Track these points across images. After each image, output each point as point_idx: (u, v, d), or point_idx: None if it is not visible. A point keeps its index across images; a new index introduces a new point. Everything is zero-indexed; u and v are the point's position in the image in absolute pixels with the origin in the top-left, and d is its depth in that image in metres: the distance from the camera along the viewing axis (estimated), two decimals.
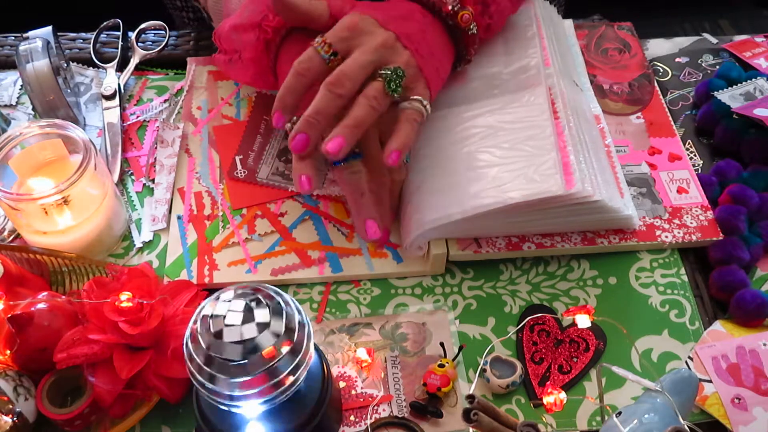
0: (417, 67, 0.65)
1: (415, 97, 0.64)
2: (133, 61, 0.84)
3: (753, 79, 0.80)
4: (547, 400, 0.58)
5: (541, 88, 0.70)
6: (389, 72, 0.63)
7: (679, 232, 0.70)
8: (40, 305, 0.60)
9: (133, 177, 0.76)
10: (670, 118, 0.79)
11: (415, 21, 0.66)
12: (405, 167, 0.69)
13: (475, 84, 0.72)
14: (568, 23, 0.86)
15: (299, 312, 0.51)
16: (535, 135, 0.66)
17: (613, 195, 0.66)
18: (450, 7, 0.67)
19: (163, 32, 0.87)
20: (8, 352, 0.59)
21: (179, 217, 0.72)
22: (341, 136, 0.61)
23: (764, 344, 0.63)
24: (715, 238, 0.69)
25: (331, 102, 0.61)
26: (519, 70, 0.72)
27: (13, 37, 0.89)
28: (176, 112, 0.81)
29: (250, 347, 0.48)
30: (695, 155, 0.78)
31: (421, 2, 0.68)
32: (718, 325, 0.66)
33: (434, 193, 0.66)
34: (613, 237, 0.69)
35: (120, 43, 0.85)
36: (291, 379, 0.49)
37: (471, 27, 0.69)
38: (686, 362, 0.64)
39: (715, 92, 0.79)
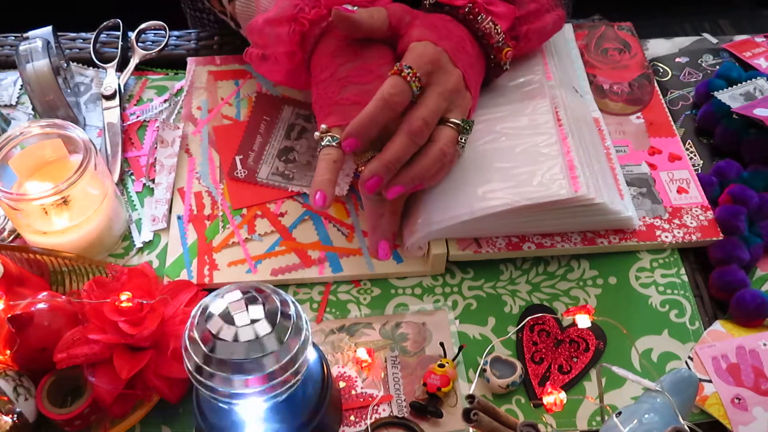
0: (470, 109, 0.66)
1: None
2: (133, 61, 0.84)
3: (753, 79, 0.80)
4: (547, 400, 0.58)
5: (544, 99, 0.71)
6: (462, 123, 0.63)
7: (679, 232, 0.70)
8: (40, 305, 0.60)
9: (133, 177, 0.76)
10: (670, 118, 0.79)
11: (467, 53, 0.66)
12: None
13: (481, 93, 0.72)
14: (567, 26, 0.86)
15: (298, 311, 0.51)
16: (542, 141, 0.67)
17: (613, 197, 0.67)
18: (495, 40, 0.67)
19: (163, 32, 0.87)
20: (8, 352, 0.59)
21: (179, 217, 0.72)
22: (402, 187, 0.62)
23: (764, 344, 0.63)
24: (715, 238, 0.69)
25: (410, 150, 0.61)
26: (523, 84, 0.73)
27: (13, 37, 0.89)
28: (176, 112, 0.81)
29: (249, 347, 0.48)
30: (695, 155, 0.78)
31: (469, 27, 0.67)
32: (718, 325, 0.66)
33: (441, 194, 0.66)
34: (613, 237, 0.69)
35: (120, 43, 0.85)
36: (291, 378, 0.49)
37: (507, 63, 0.70)
38: (686, 362, 0.64)
39: (715, 92, 0.79)
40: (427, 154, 0.62)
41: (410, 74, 0.61)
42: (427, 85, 0.62)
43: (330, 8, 0.65)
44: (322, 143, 0.62)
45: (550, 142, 0.67)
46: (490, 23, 0.67)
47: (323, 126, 0.63)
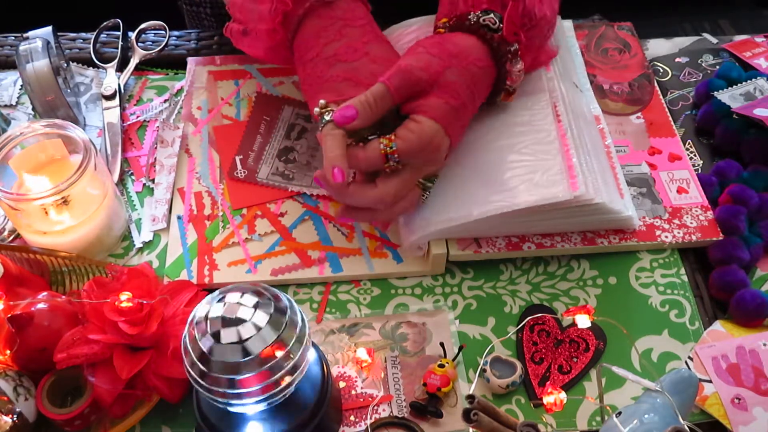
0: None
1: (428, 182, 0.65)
2: (133, 61, 0.84)
3: (753, 79, 0.80)
4: (547, 400, 0.58)
5: (543, 93, 0.70)
6: (428, 183, 0.64)
7: (679, 232, 0.70)
8: (40, 305, 0.60)
9: (133, 177, 0.76)
10: (670, 118, 0.79)
11: (472, 109, 0.65)
12: None
13: None
14: (568, 24, 0.86)
15: (297, 311, 0.51)
16: (541, 139, 0.67)
17: (613, 197, 0.66)
18: (514, 82, 0.67)
19: (163, 32, 0.87)
20: (8, 352, 0.59)
21: (179, 217, 0.72)
22: (355, 221, 0.65)
23: (764, 344, 0.63)
24: (715, 238, 0.69)
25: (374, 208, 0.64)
26: None
27: (13, 37, 0.89)
28: (176, 112, 0.81)
29: (249, 347, 0.48)
30: (695, 155, 0.78)
31: (497, 62, 0.65)
32: (718, 325, 0.66)
33: (440, 196, 0.66)
34: (613, 237, 0.69)
35: (120, 43, 0.85)
36: (290, 378, 0.49)
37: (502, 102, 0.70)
38: (686, 362, 0.64)
39: (715, 92, 0.79)
40: (394, 210, 0.64)
41: (393, 165, 0.61)
42: (411, 160, 0.61)
43: None
44: (326, 118, 0.61)
45: (549, 140, 0.67)
46: (521, 72, 0.66)
47: (321, 101, 0.62)
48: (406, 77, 0.61)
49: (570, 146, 0.66)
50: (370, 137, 0.62)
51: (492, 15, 0.64)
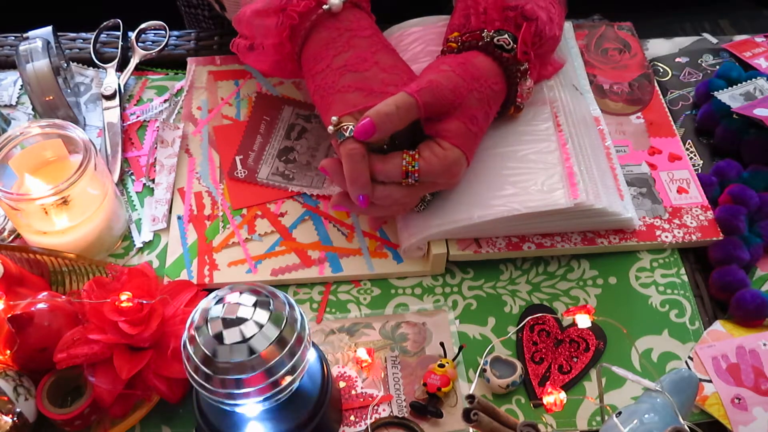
0: None
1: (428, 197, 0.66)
2: (133, 61, 0.84)
3: (753, 79, 0.80)
4: (547, 400, 0.58)
5: (544, 105, 0.71)
6: (430, 197, 0.66)
7: (679, 232, 0.70)
8: (40, 305, 0.60)
9: (133, 177, 0.76)
10: (670, 118, 0.79)
11: (484, 129, 0.66)
12: None
13: None
14: (567, 24, 0.86)
15: (297, 311, 0.51)
16: (542, 149, 0.68)
17: (613, 200, 0.67)
18: (523, 99, 0.68)
19: (163, 32, 0.87)
20: (8, 352, 0.59)
21: (179, 217, 0.72)
22: (349, 209, 0.67)
23: (764, 344, 0.63)
24: (715, 238, 0.69)
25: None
26: None
27: (13, 37, 0.89)
28: (176, 112, 0.81)
29: (249, 347, 0.48)
30: (695, 155, 0.78)
31: (509, 81, 0.66)
32: (718, 325, 0.66)
33: (440, 198, 0.66)
34: (613, 237, 0.69)
35: (120, 43, 0.85)
36: (290, 378, 0.49)
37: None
38: (686, 362, 0.64)
39: (715, 92, 0.79)
40: (391, 209, 0.65)
41: (410, 182, 0.62)
42: (429, 180, 0.62)
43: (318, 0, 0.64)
44: (344, 134, 0.61)
45: (550, 149, 0.67)
46: (530, 89, 0.68)
47: (334, 118, 0.62)
48: (436, 95, 0.61)
49: (571, 155, 0.67)
50: (385, 146, 0.62)
51: (506, 36, 0.65)
